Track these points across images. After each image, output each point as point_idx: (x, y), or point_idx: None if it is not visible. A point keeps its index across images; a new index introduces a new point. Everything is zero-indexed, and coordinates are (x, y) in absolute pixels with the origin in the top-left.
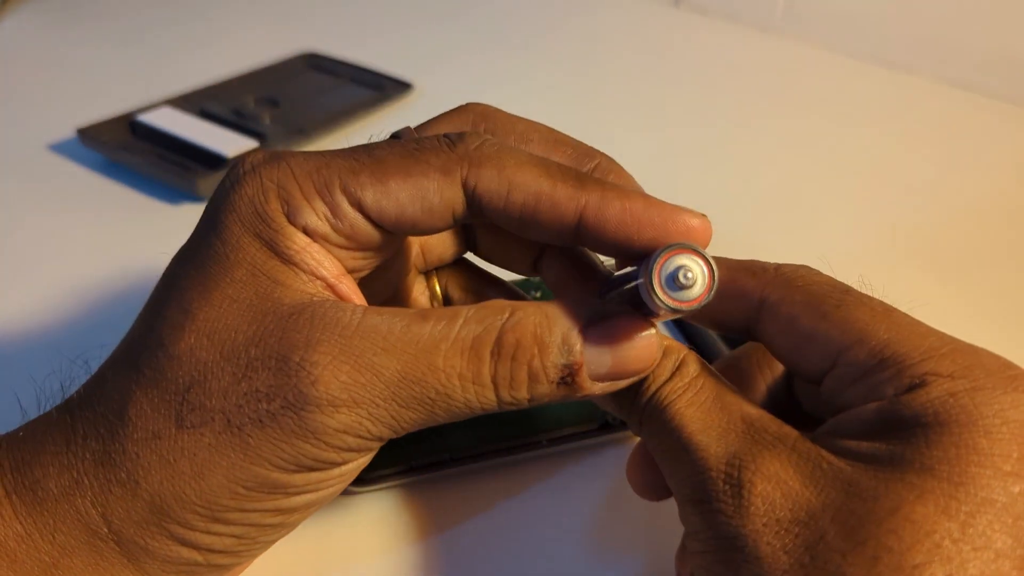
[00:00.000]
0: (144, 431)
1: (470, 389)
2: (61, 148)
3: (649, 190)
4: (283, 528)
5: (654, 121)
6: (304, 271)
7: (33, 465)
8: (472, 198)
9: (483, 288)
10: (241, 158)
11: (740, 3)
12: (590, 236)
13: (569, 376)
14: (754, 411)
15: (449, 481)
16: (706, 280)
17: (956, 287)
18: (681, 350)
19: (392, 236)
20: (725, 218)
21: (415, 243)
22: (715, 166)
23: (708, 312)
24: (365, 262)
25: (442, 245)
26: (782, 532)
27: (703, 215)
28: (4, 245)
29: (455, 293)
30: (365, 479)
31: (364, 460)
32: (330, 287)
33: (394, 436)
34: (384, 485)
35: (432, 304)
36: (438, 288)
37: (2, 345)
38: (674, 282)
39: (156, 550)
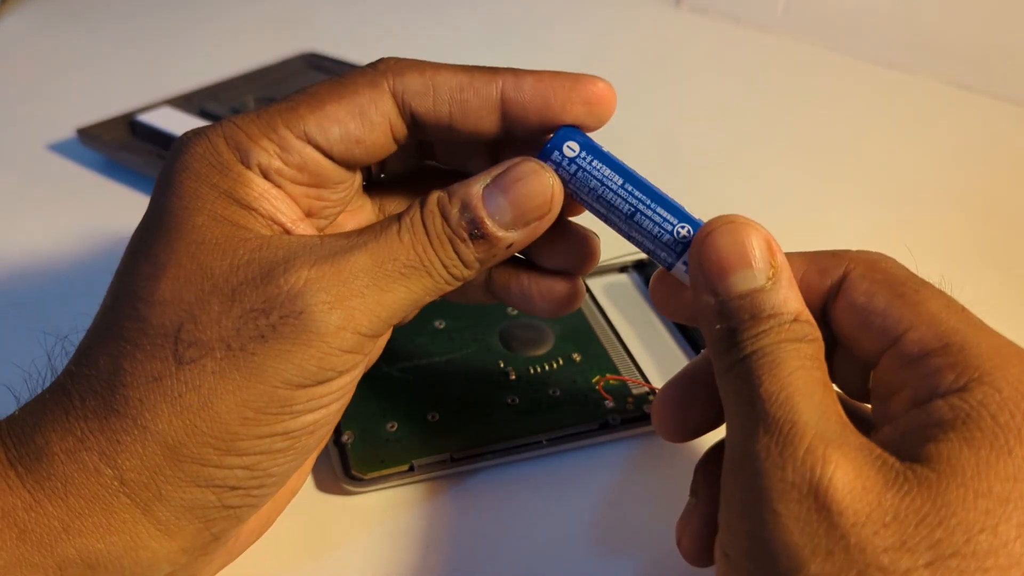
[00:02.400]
0: (143, 377)
1: (433, 273)
2: (61, 148)
3: None
4: (291, 454)
5: (654, 121)
6: (263, 215)
7: (34, 434)
8: (403, 106)
9: None
10: (180, 136)
11: (740, 3)
12: (513, 114)
13: (477, 230)
14: (844, 416)
15: (449, 481)
16: None
17: (956, 287)
18: (819, 333)
19: (344, 169)
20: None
21: (373, 209)
22: (715, 166)
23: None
24: (324, 203)
25: (397, 209)
26: (859, 526)
27: (606, 81)
28: (4, 245)
29: None
30: (365, 480)
31: (359, 372)
32: (287, 232)
33: (384, 327)
34: (384, 486)
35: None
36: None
37: (2, 345)
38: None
39: (171, 495)
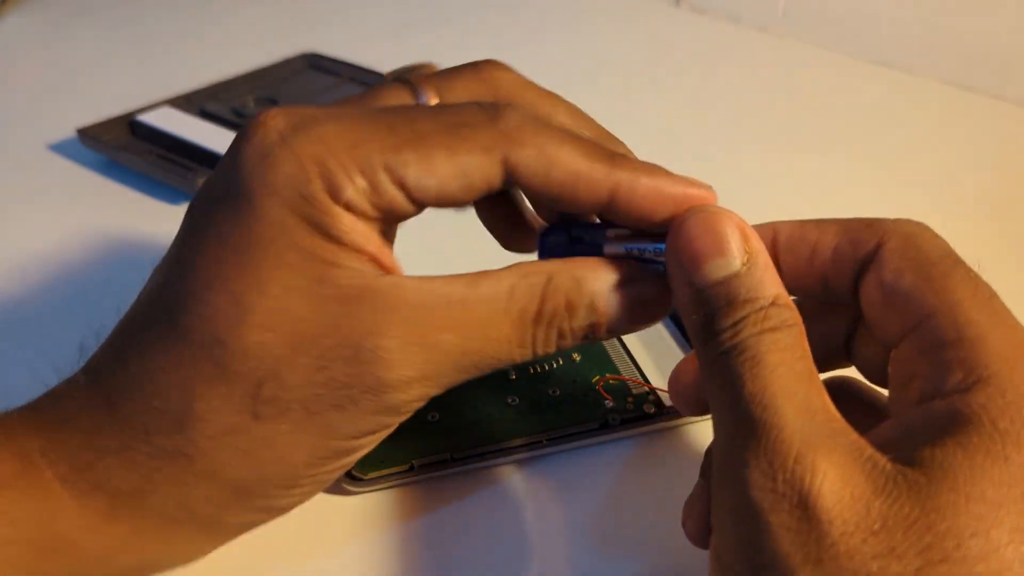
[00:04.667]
0: (217, 426)
1: (516, 352)
2: (61, 148)
3: None
4: (340, 474)
5: (653, 120)
6: (354, 250)
7: (94, 462)
8: (511, 174)
9: None
10: (257, 120)
11: (740, 3)
12: (619, 210)
13: (591, 332)
14: (833, 408)
15: (449, 481)
16: None
17: None
18: (798, 315)
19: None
20: None
21: None
22: (714, 165)
23: (820, 270)
24: (389, 229)
25: None
26: (848, 535)
27: (709, 186)
28: (3, 245)
29: None
30: (365, 480)
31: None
32: (375, 260)
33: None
34: (384, 485)
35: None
36: None
37: (1, 345)
38: None
39: (231, 521)
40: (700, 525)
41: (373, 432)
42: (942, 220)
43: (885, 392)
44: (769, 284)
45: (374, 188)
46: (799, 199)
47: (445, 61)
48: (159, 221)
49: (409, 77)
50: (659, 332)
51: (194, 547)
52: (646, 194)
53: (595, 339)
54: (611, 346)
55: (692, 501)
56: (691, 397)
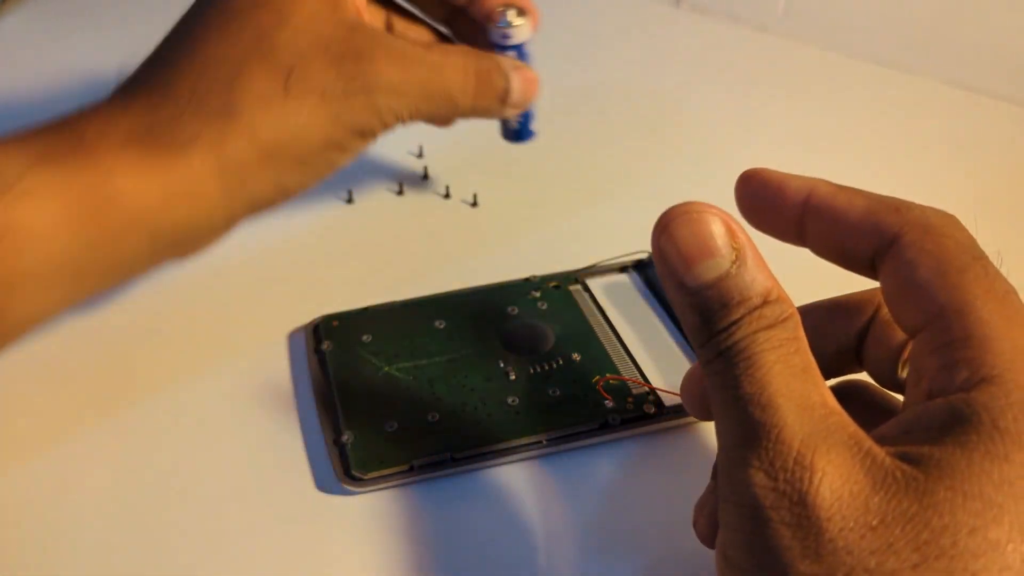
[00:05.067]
0: (257, 94)
1: (460, 94)
2: None
3: (646, 191)
4: (330, 171)
5: (653, 120)
6: (354, 5)
7: (151, 130)
8: None
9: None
10: None
11: (740, 3)
12: None
13: (506, 95)
14: (831, 400)
15: (449, 481)
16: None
17: None
18: (790, 306)
19: None
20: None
21: None
22: (714, 165)
23: (839, 241)
24: None
25: None
26: (846, 531)
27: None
28: None
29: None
30: (365, 480)
31: (390, 127)
32: (360, 12)
33: (410, 119)
34: (384, 485)
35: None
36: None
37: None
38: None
39: (251, 187)
40: (710, 526)
41: (362, 133)
42: None
43: (896, 396)
44: (760, 280)
45: None
46: None
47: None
48: None
49: None
50: (660, 333)
51: (211, 218)
52: None
53: (504, 108)
54: (611, 346)
55: (703, 502)
56: (703, 402)
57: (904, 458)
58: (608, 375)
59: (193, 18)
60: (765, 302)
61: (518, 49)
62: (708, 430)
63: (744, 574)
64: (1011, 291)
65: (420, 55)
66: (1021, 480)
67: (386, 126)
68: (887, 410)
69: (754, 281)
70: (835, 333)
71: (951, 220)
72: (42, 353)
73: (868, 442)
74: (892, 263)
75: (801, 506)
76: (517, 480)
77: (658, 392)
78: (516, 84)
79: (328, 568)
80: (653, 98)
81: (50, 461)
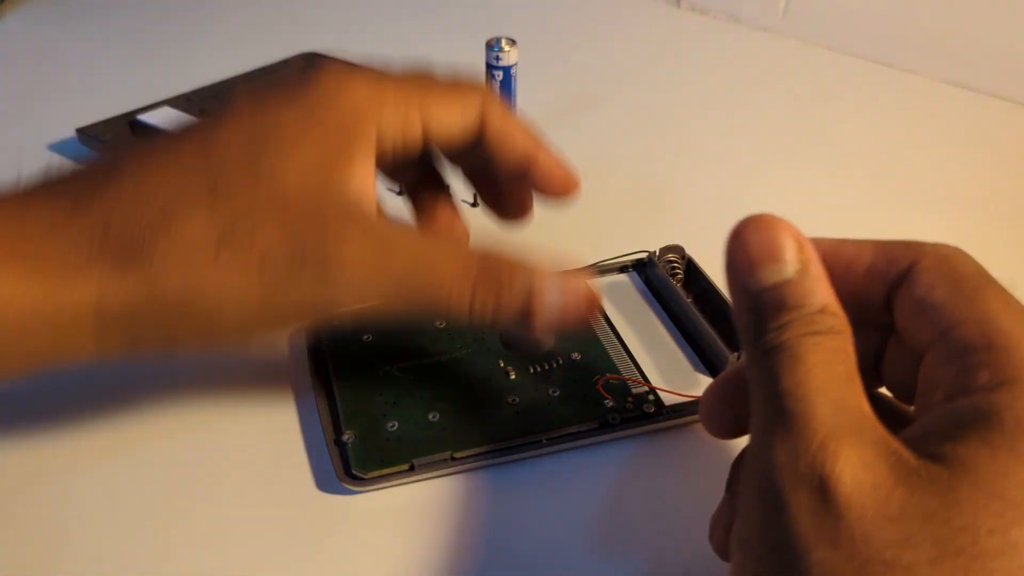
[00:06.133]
0: (183, 246)
1: (454, 296)
2: (61, 148)
3: (647, 191)
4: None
5: (653, 120)
6: (359, 157)
7: (41, 244)
8: (483, 119)
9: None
10: (324, 65)
11: (740, 3)
12: (534, 172)
13: (525, 312)
14: (867, 408)
15: (449, 481)
16: None
17: None
18: (846, 324)
19: (411, 153)
20: (728, 216)
21: None
22: (714, 165)
23: (855, 287)
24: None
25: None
26: (865, 520)
27: (577, 176)
28: None
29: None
30: (365, 479)
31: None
32: (367, 180)
33: (374, 311)
34: (385, 485)
35: None
36: None
37: None
38: None
39: (128, 332)
40: (726, 538)
41: (301, 315)
42: (942, 219)
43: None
44: (819, 293)
45: (407, 124)
46: (799, 198)
47: (443, 60)
48: None
49: None
50: (660, 333)
51: (75, 351)
52: (551, 161)
53: (527, 325)
54: (611, 346)
55: (718, 515)
56: (721, 417)
57: (928, 456)
58: (608, 375)
59: (179, 134)
60: (820, 311)
61: (506, 71)
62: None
63: (758, 561)
64: None
65: (407, 240)
66: None
67: (335, 313)
68: (905, 420)
69: (813, 292)
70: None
71: (962, 251)
72: None
73: (895, 443)
74: (907, 288)
75: (821, 492)
76: (517, 480)
77: (658, 392)
78: (551, 298)
79: (329, 568)
80: (653, 98)
81: (47, 462)
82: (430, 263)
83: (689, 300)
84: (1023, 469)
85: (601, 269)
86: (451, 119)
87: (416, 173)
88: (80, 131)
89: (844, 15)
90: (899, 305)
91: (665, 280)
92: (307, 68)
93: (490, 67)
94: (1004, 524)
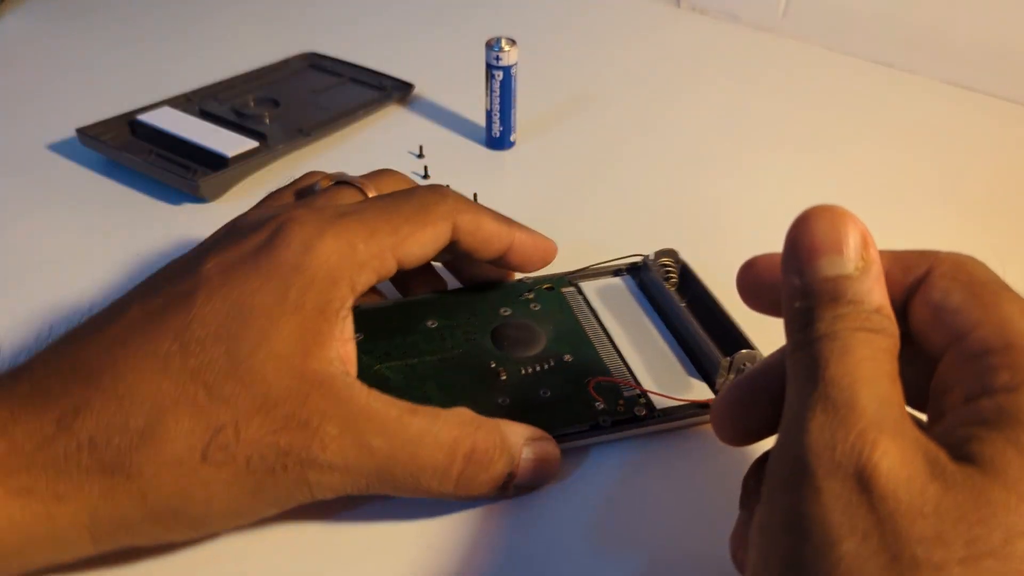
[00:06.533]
0: (168, 456)
1: (435, 480)
2: (61, 148)
3: (648, 191)
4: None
5: (653, 120)
6: (337, 330)
7: (31, 467)
8: (455, 233)
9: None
10: (290, 218)
11: (740, 3)
12: (513, 256)
13: (508, 482)
14: (905, 407)
15: None
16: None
17: None
18: (897, 329)
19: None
20: (725, 220)
21: None
22: (714, 165)
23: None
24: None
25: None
26: (898, 514)
27: (553, 243)
28: (3, 245)
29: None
30: None
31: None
32: (344, 347)
33: (361, 494)
34: None
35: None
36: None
37: (1, 347)
38: None
39: (124, 540)
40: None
41: (281, 505)
42: (942, 219)
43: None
44: (877, 294)
45: (382, 268)
46: (799, 198)
47: (445, 60)
48: (159, 221)
49: (349, 180)
50: (652, 336)
51: (72, 555)
52: (526, 244)
53: (504, 492)
54: (603, 348)
55: (737, 533)
56: (733, 424)
57: (958, 456)
58: (599, 377)
59: (136, 327)
60: (876, 311)
61: (506, 71)
62: (698, 436)
63: (783, 549)
64: None
65: (389, 426)
66: None
67: (318, 497)
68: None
69: (871, 291)
70: None
71: (978, 260)
72: None
73: (932, 443)
74: (925, 294)
75: (856, 481)
76: None
77: (649, 395)
78: (526, 466)
79: (324, 572)
80: (653, 98)
81: None
82: (411, 450)
83: (683, 304)
84: None
85: (595, 272)
86: (423, 249)
87: None
88: (80, 131)
89: (844, 15)
90: (914, 311)
91: (659, 284)
92: (306, 69)
93: (490, 67)
94: None
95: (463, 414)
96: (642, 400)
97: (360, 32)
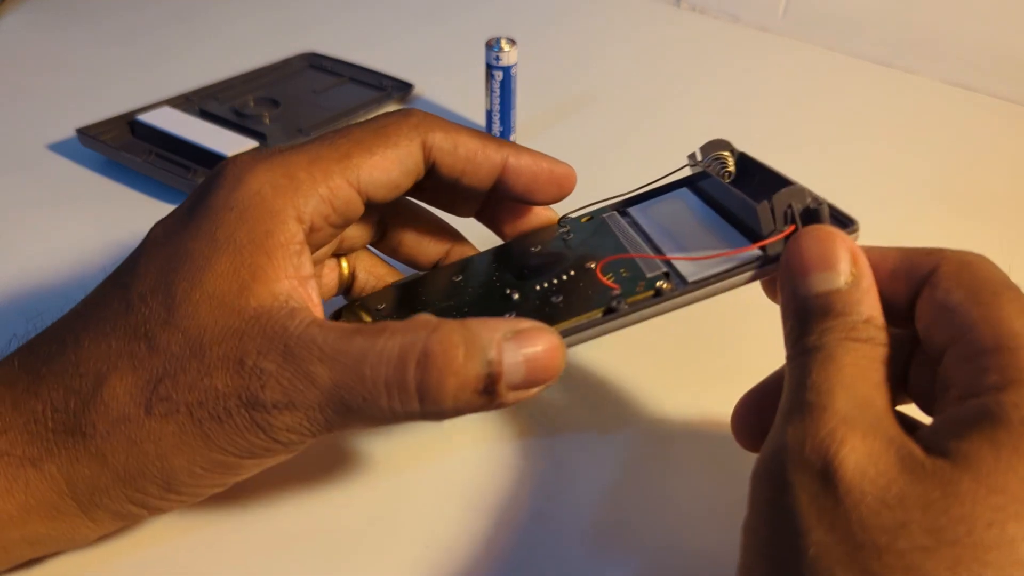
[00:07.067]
0: (116, 412)
1: (395, 397)
2: (61, 148)
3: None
4: (225, 488)
5: (654, 120)
6: (281, 264)
7: (8, 430)
8: (428, 157)
9: (384, 272)
10: (226, 160)
11: (740, 3)
12: (507, 179)
13: (491, 385)
14: (891, 412)
15: (448, 477)
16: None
17: None
18: (887, 336)
19: (366, 207)
20: None
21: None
22: None
23: (880, 290)
24: (331, 238)
25: (358, 234)
26: (863, 505)
27: (571, 167)
28: (3, 245)
29: (360, 274)
30: None
31: (309, 442)
32: (297, 287)
33: (332, 432)
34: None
35: (339, 280)
36: (346, 268)
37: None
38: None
39: (110, 507)
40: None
41: (252, 455)
42: (942, 219)
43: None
44: (866, 305)
45: (334, 194)
46: None
47: (445, 60)
48: None
49: None
50: (709, 244)
51: (74, 529)
52: (528, 165)
53: (496, 398)
54: (617, 226)
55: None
56: (751, 431)
57: (935, 451)
58: (610, 255)
59: (97, 298)
60: (865, 322)
61: (506, 71)
62: (706, 437)
63: (764, 542)
64: None
65: (328, 350)
66: None
67: (289, 444)
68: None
69: (860, 303)
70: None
71: (985, 258)
72: None
73: (908, 441)
74: (928, 292)
75: (823, 475)
76: (517, 478)
77: (675, 263)
78: (514, 362)
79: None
80: (653, 98)
81: None
82: (356, 370)
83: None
84: None
85: (643, 196)
86: (387, 175)
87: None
88: (80, 131)
89: (843, 15)
90: (920, 309)
91: (721, 186)
92: (306, 69)
93: (490, 67)
94: (1003, 518)
95: (417, 320)
96: (666, 273)
97: (360, 32)
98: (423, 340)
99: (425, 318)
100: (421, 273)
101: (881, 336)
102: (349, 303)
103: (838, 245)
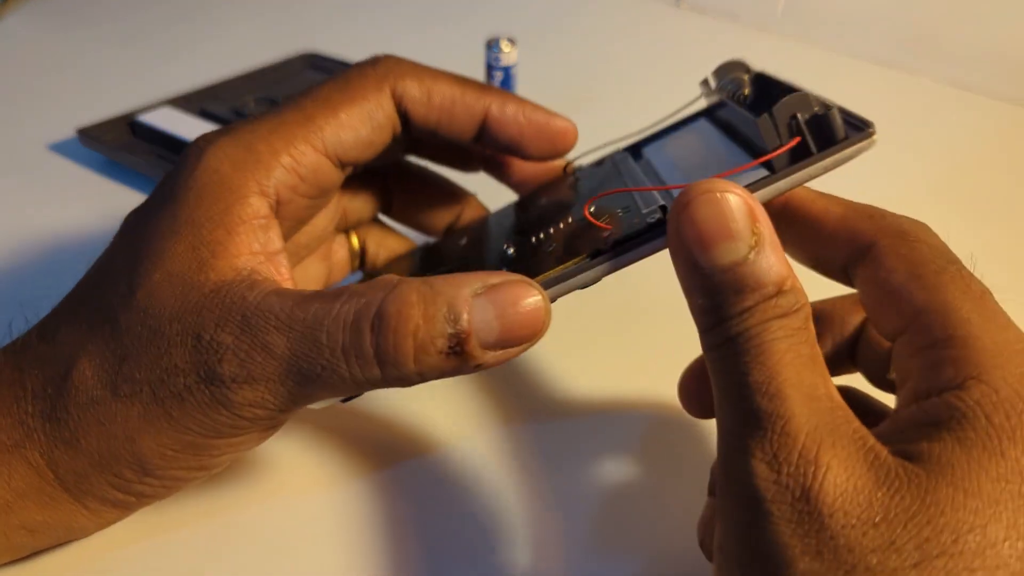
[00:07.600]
0: (85, 396)
1: (354, 363)
2: (61, 148)
3: None
4: (209, 473)
5: (653, 121)
6: (244, 240)
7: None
8: (399, 107)
9: (396, 243)
10: (194, 141)
11: (740, 3)
12: (491, 131)
13: (458, 345)
14: (836, 395)
15: (447, 477)
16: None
17: None
18: (803, 296)
19: (341, 170)
20: None
21: (340, 205)
22: None
23: (814, 248)
24: (311, 210)
25: (362, 206)
26: (848, 528)
27: (572, 122)
28: (4, 245)
29: (371, 247)
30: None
31: (282, 419)
32: (264, 262)
33: (298, 408)
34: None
35: (350, 255)
36: (356, 242)
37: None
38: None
39: (96, 491)
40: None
41: (219, 434)
42: (941, 219)
43: (883, 403)
44: (777, 268)
45: (299, 161)
46: None
47: (445, 60)
48: None
49: None
50: (695, 140)
51: (70, 518)
52: (515, 116)
53: (468, 359)
54: (627, 167)
55: (705, 520)
56: (700, 398)
57: (904, 455)
58: (601, 193)
59: (76, 290)
60: (780, 291)
61: (506, 71)
62: (699, 426)
63: (742, 568)
64: (986, 292)
65: (283, 318)
66: (1015, 476)
67: (256, 421)
68: (878, 414)
69: (770, 269)
70: (830, 334)
71: (923, 226)
72: None
73: (871, 439)
74: (868, 269)
75: (804, 501)
76: (517, 477)
77: (674, 193)
78: (485, 319)
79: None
80: (652, 98)
81: None
82: (312, 337)
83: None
84: (997, 465)
85: (659, 133)
86: (356, 133)
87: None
88: (80, 131)
89: (842, 15)
90: (862, 283)
91: (739, 113)
92: (306, 69)
93: (490, 67)
94: (983, 521)
95: (377, 281)
96: (663, 206)
97: (360, 32)
98: (378, 301)
99: (387, 278)
100: (432, 240)
101: (798, 298)
102: (364, 277)
103: (734, 206)
